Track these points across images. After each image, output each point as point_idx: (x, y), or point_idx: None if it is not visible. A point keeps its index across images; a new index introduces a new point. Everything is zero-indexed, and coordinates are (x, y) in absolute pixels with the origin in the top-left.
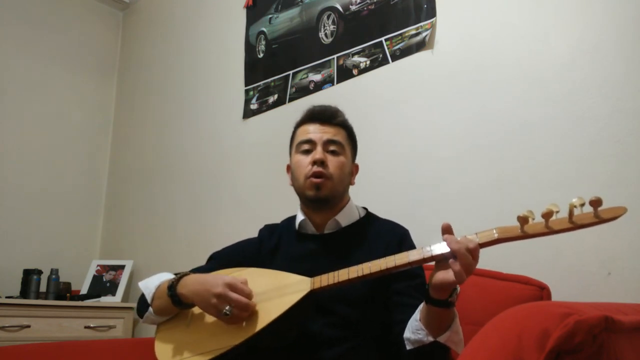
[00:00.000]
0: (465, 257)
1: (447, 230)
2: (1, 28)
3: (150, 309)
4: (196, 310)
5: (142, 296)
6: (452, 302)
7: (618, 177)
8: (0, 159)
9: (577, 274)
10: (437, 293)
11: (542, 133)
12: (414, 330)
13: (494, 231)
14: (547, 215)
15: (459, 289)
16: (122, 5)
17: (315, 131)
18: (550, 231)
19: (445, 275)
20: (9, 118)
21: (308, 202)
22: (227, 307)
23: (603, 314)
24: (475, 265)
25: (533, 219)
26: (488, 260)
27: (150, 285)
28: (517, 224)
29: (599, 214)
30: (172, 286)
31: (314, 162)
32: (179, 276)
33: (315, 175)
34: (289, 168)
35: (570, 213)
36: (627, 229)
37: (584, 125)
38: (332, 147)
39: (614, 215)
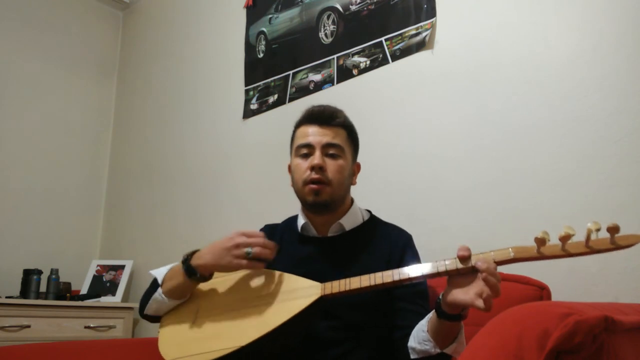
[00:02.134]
0: (493, 276)
1: (466, 251)
2: (1, 28)
3: (160, 289)
4: (202, 305)
5: (148, 287)
6: (464, 315)
7: (618, 177)
8: (0, 159)
9: (577, 274)
10: (451, 308)
11: (542, 133)
12: (421, 341)
13: (510, 250)
14: (564, 239)
15: None
16: (122, 5)
17: (313, 134)
18: (566, 254)
19: (465, 297)
20: (9, 118)
21: (308, 207)
22: (248, 249)
23: (603, 314)
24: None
25: (549, 240)
26: None
27: (162, 270)
28: (534, 244)
29: (615, 241)
30: (186, 260)
31: (312, 168)
32: (191, 252)
33: (313, 181)
34: (289, 168)
35: (588, 238)
36: (627, 230)
37: (584, 125)
38: (331, 151)
39: (630, 243)
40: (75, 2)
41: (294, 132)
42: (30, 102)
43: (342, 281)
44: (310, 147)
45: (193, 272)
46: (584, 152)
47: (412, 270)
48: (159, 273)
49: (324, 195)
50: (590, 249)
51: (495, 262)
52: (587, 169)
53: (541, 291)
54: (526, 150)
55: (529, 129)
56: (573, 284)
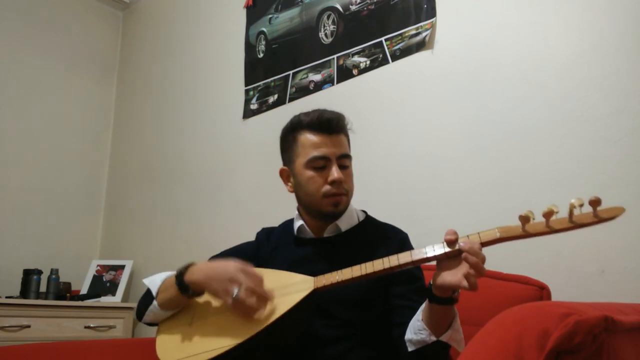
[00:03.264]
0: (475, 255)
1: (452, 235)
2: (1, 28)
3: (155, 302)
4: (199, 308)
5: (143, 296)
6: (455, 299)
7: (618, 177)
8: (0, 158)
9: (577, 274)
10: (442, 291)
11: (542, 133)
12: (416, 330)
13: (496, 230)
14: (547, 215)
15: None
16: (122, 5)
17: (326, 145)
18: (551, 230)
19: (453, 278)
20: (9, 118)
21: (321, 216)
22: (235, 289)
23: (603, 314)
24: (484, 264)
25: (534, 218)
26: (488, 260)
27: (156, 280)
28: (519, 223)
29: (598, 214)
30: (180, 274)
31: (333, 182)
32: (186, 265)
33: (336, 195)
34: (283, 172)
35: (570, 213)
36: (626, 230)
37: (584, 125)
38: (344, 162)
39: (612, 215)
40: (75, 2)
41: (294, 136)
42: (30, 102)
43: (335, 273)
44: (326, 159)
45: (185, 288)
46: (584, 152)
47: (402, 257)
48: (153, 283)
49: (342, 205)
50: (573, 223)
51: (481, 243)
52: (587, 169)
53: (541, 291)
54: (526, 150)
55: (529, 129)
56: (573, 284)
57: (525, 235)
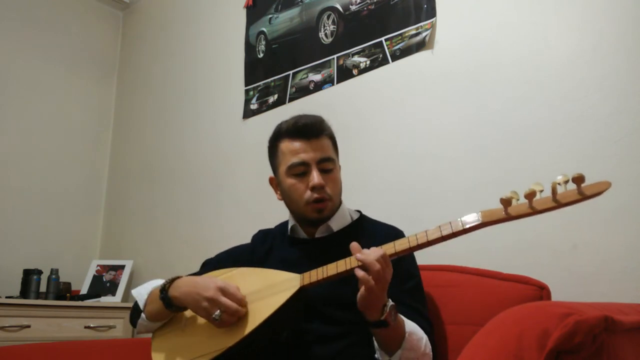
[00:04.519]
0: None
1: (356, 250)
2: (1, 28)
3: (143, 315)
4: (190, 313)
5: (133, 307)
6: (385, 321)
7: (618, 177)
8: (0, 159)
9: (577, 274)
10: (366, 313)
11: (542, 133)
12: (377, 349)
13: (479, 215)
14: (530, 196)
15: (389, 305)
16: (122, 5)
17: (305, 150)
18: (534, 211)
19: (362, 290)
20: (9, 118)
21: (308, 223)
22: (217, 312)
23: (603, 314)
24: (384, 273)
25: (517, 199)
26: (488, 260)
27: (142, 292)
28: (501, 206)
29: (582, 191)
30: (163, 289)
31: (314, 188)
32: (171, 279)
33: (317, 201)
34: (272, 181)
35: (554, 191)
36: (626, 230)
37: (584, 125)
38: (325, 165)
39: (598, 190)
40: (75, 2)
41: (276, 145)
42: (30, 102)
43: (320, 269)
44: (305, 165)
45: (169, 303)
46: (584, 152)
47: (386, 249)
48: (140, 296)
49: (326, 211)
50: (557, 203)
51: (464, 229)
52: (587, 169)
53: (541, 291)
54: (526, 150)
55: (529, 129)
56: (573, 283)
57: (508, 218)
